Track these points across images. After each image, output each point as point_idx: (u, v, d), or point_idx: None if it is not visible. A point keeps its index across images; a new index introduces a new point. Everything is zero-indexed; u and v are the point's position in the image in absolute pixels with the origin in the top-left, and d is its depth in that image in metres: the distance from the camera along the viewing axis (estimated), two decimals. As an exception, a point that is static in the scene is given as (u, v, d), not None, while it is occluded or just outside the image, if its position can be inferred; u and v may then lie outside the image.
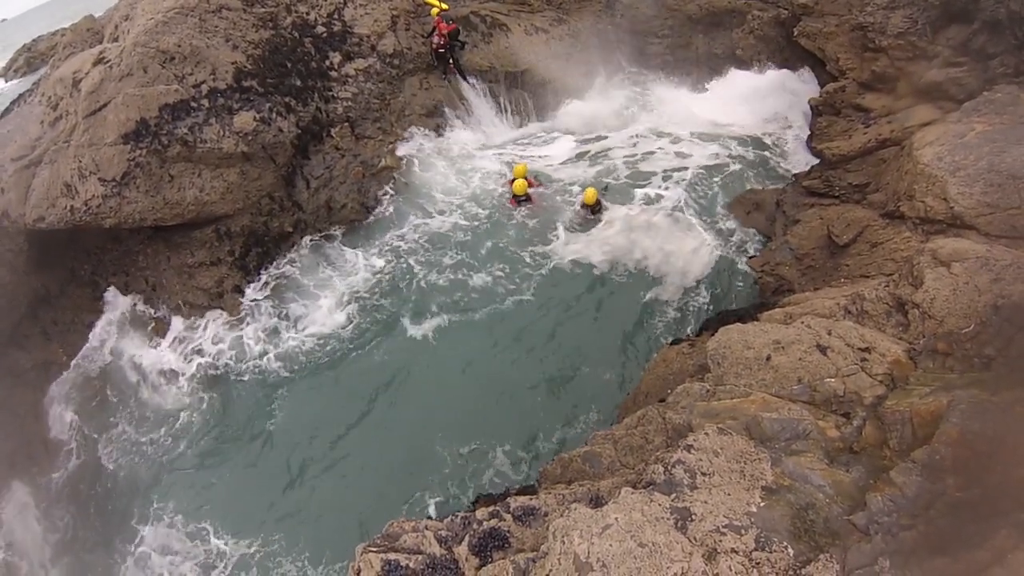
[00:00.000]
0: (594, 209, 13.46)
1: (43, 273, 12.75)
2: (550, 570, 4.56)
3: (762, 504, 4.59)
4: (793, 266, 10.51)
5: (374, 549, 5.70)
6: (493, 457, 10.38)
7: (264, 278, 13.32)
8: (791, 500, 4.66)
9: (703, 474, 4.90)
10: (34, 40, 22.75)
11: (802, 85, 14.38)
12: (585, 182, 14.33)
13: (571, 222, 13.58)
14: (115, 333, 12.93)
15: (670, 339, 10.71)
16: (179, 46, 12.87)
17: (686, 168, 14.35)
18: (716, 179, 13.97)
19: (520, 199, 13.99)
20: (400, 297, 12.79)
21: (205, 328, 12.82)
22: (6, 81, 20.81)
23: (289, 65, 14.14)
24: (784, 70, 14.86)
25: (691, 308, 11.79)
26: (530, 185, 14.19)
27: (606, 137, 16.05)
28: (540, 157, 15.67)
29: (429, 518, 7.52)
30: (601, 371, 11.16)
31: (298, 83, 14.10)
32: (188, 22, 13.10)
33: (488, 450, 10.49)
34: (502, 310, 12.28)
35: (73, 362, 12.81)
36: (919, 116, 10.68)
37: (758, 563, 4.18)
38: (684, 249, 12.61)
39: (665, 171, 14.42)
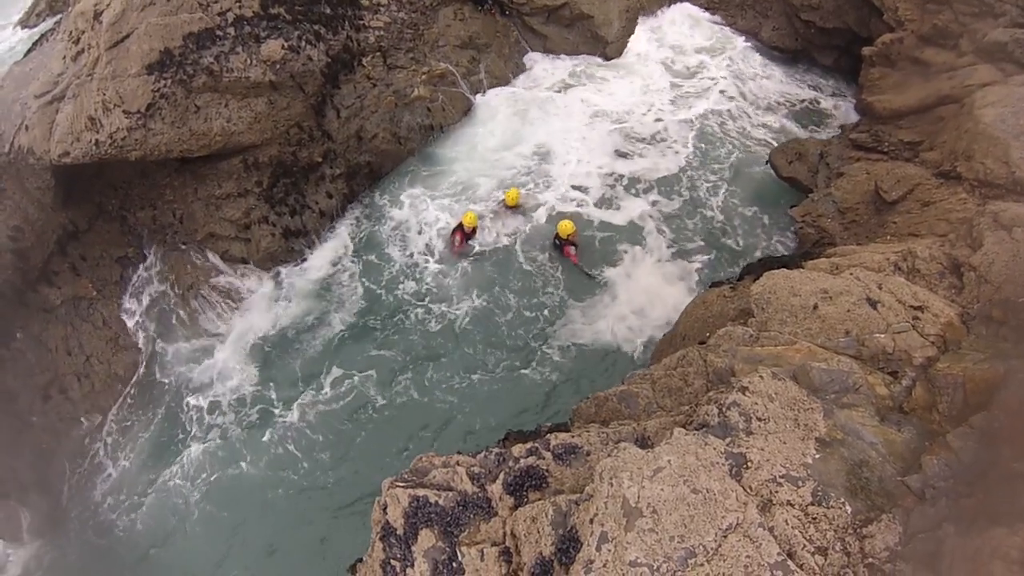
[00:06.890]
0: (565, 243, 12.01)
1: (71, 209, 12.65)
2: (595, 514, 4.30)
3: (817, 456, 4.45)
4: (835, 219, 10.22)
5: (401, 484, 5.51)
6: (522, 394, 10.40)
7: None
8: (844, 455, 4.55)
9: (758, 419, 4.71)
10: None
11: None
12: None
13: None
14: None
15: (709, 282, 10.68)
16: (203, -28, 12.34)
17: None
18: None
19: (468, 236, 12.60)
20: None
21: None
22: (32, 27, 20.06)
23: (318, -9, 13.57)
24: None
25: (729, 253, 11.77)
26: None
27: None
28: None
29: (459, 452, 7.25)
30: (636, 311, 11.22)
31: (328, 11, 13.55)
32: (212, -54, 12.50)
33: (516, 387, 10.53)
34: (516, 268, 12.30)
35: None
36: (980, 76, 10.08)
37: (815, 518, 4.06)
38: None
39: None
